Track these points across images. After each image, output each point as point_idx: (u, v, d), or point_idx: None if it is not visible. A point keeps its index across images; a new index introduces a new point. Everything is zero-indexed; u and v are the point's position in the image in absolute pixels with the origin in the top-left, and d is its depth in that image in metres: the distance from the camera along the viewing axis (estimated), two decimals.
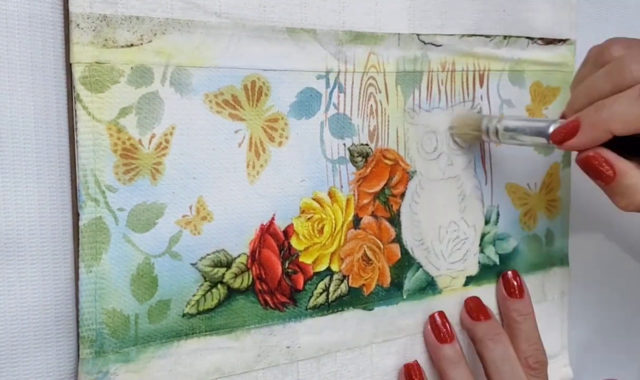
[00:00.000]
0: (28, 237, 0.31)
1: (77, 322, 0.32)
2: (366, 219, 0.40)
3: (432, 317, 0.42)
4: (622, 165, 0.36)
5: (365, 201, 0.40)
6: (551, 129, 0.38)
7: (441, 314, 0.42)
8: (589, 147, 0.36)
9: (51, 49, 0.31)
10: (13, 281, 0.31)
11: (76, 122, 0.31)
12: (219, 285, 0.35)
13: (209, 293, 0.35)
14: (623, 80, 0.36)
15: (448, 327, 0.42)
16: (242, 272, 0.36)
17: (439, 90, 0.42)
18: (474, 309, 0.43)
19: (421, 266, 0.42)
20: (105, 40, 0.31)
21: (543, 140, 0.38)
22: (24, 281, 0.31)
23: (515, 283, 0.45)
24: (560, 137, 0.37)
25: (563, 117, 0.39)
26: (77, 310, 0.32)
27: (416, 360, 0.41)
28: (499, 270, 0.46)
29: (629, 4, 0.53)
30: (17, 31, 0.30)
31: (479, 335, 0.42)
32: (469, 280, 0.44)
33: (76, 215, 0.32)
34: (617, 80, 0.36)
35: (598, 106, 0.36)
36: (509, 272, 0.45)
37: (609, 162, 0.36)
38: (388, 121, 0.40)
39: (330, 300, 0.39)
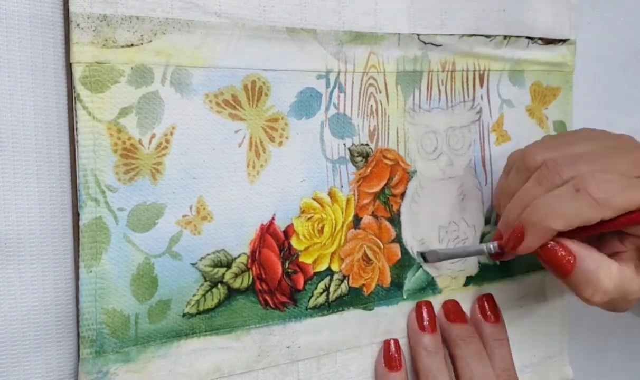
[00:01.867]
0: (28, 237, 0.31)
1: (77, 322, 0.32)
2: (366, 219, 0.40)
3: (419, 305, 0.42)
4: (581, 249, 0.36)
5: (366, 201, 0.40)
6: (490, 250, 0.40)
7: (428, 303, 0.42)
8: (536, 247, 0.37)
9: (51, 49, 0.31)
10: (13, 281, 0.31)
11: (76, 122, 0.31)
12: (219, 285, 0.35)
13: (209, 293, 0.35)
14: (554, 184, 0.36)
15: (431, 318, 0.41)
16: (242, 272, 0.36)
17: (439, 90, 0.42)
18: (452, 311, 0.43)
19: (421, 266, 0.42)
20: (106, 40, 0.31)
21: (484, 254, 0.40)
22: (24, 281, 0.31)
23: (489, 306, 0.44)
24: (511, 246, 0.38)
25: (499, 235, 0.40)
26: (77, 310, 0.32)
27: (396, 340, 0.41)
28: (499, 270, 0.46)
29: (628, 4, 0.53)
30: (17, 31, 0.30)
31: (453, 335, 0.41)
32: (469, 281, 0.44)
33: (76, 215, 0.32)
34: (549, 186, 0.37)
35: (536, 206, 0.36)
36: (484, 296, 0.44)
37: (567, 248, 0.36)
38: (388, 121, 0.40)
39: (330, 300, 0.39)
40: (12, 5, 0.30)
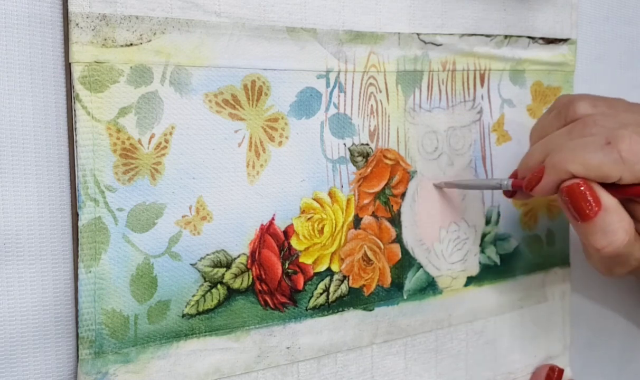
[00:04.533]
0: (27, 237, 0.31)
1: (77, 322, 0.32)
2: (366, 219, 0.40)
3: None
4: (608, 199, 0.34)
5: (366, 201, 0.40)
6: (504, 187, 0.39)
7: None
8: (551, 187, 0.35)
9: (50, 49, 0.31)
10: (12, 281, 0.31)
11: (75, 122, 0.31)
12: (219, 286, 0.35)
13: (208, 293, 0.35)
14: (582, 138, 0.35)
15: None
16: (242, 272, 0.36)
17: (440, 90, 0.42)
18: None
19: (422, 266, 0.42)
20: (105, 39, 0.31)
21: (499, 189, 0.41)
22: (23, 281, 0.31)
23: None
24: (527, 184, 0.37)
25: (516, 174, 0.39)
26: (77, 310, 0.32)
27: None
28: (499, 270, 0.46)
29: (629, 4, 0.53)
30: (16, 31, 0.30)
31: None
32: (470, 281, 0.44)
33: (75, 216, 0.32)
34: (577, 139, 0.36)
35: (562, 148, 0.35)
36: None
37: (595, 195, 0.34)
38: (388, 121, 0.40)
39: (330, 300, 0.39)
40: (10, 5, 0.30)
